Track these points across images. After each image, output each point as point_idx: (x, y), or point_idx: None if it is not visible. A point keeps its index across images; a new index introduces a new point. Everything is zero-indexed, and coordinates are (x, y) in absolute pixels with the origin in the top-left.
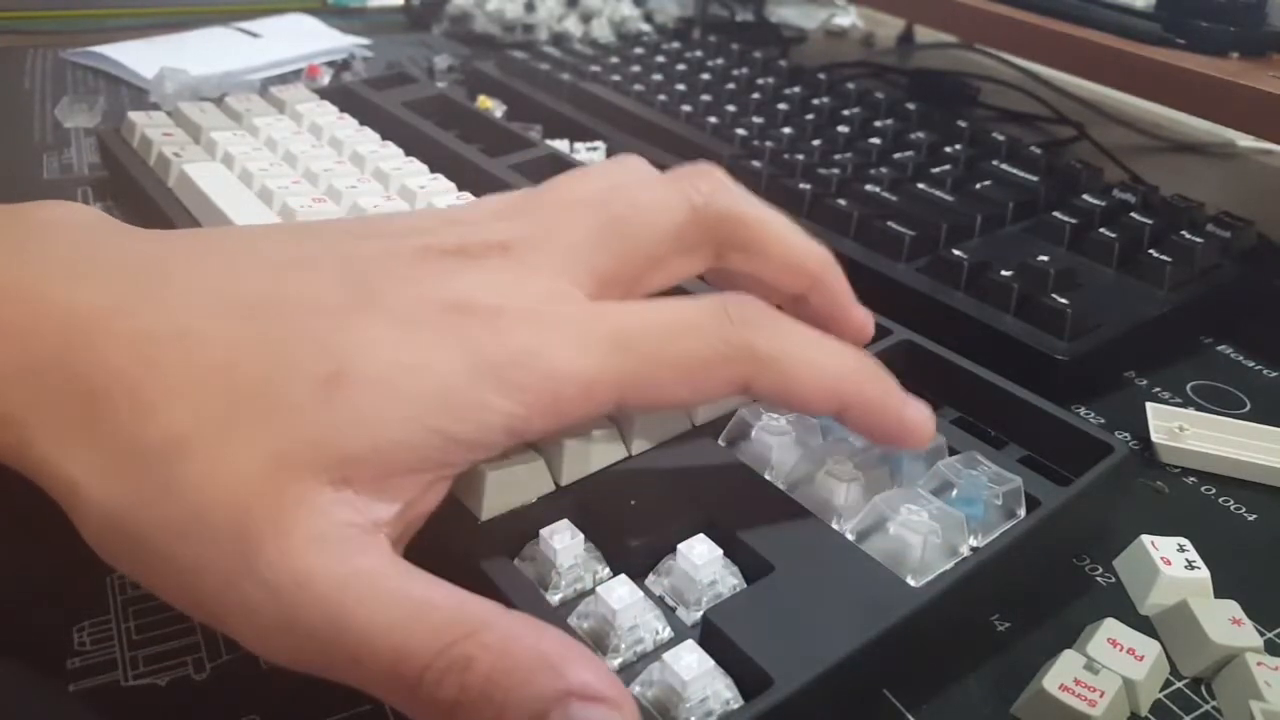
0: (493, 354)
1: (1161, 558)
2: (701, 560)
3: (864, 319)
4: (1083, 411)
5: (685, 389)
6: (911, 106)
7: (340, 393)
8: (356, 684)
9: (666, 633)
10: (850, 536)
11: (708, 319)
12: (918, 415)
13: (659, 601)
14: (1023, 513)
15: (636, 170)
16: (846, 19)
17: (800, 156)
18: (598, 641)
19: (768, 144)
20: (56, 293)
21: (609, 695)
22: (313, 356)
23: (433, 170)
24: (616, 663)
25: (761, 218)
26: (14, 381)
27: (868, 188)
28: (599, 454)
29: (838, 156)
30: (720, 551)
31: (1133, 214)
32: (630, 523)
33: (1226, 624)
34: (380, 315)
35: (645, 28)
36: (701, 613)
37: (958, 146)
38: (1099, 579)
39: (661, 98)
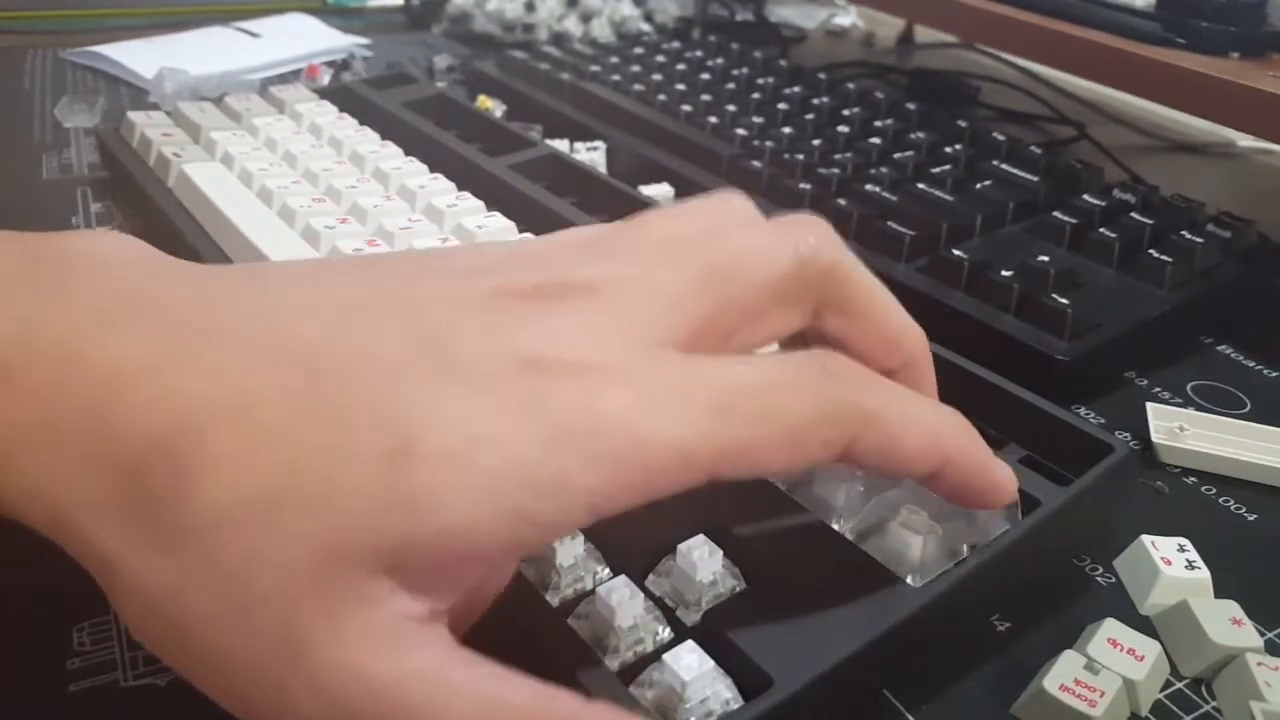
0: (576, 421)
1: (1162, 558)
2: (701, 561)
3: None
4: (1083, 411)
5: (787, 453)
6: (911, 106)
7: (403, 470)
8: None
9: (666, 633)
10: (850, 536)
11: (807, 376)
12: (1006, 476)
13: (659, 602)
14: (1022, 513)
15: (739, 212)
16: (846, 19)
17: (800, 156)
18: (597, 642)
19: (768, 144)
20: (90, 346)
21: None
22: (373, 426)
23: (432, 170)
24: (616, 664)
25: (867, 280)
26: (45, 448)
27: (868, 188)
28: None
29: (838, 156)
30: (720, 552)
31: (1133, 214)
32: (630, 523)
33: (1227, 624)
34: (448, 375)
35: (645, 27)
36: (701, 613)
37: (958, 146)
38: (1099, 579)
39: (661, 98)
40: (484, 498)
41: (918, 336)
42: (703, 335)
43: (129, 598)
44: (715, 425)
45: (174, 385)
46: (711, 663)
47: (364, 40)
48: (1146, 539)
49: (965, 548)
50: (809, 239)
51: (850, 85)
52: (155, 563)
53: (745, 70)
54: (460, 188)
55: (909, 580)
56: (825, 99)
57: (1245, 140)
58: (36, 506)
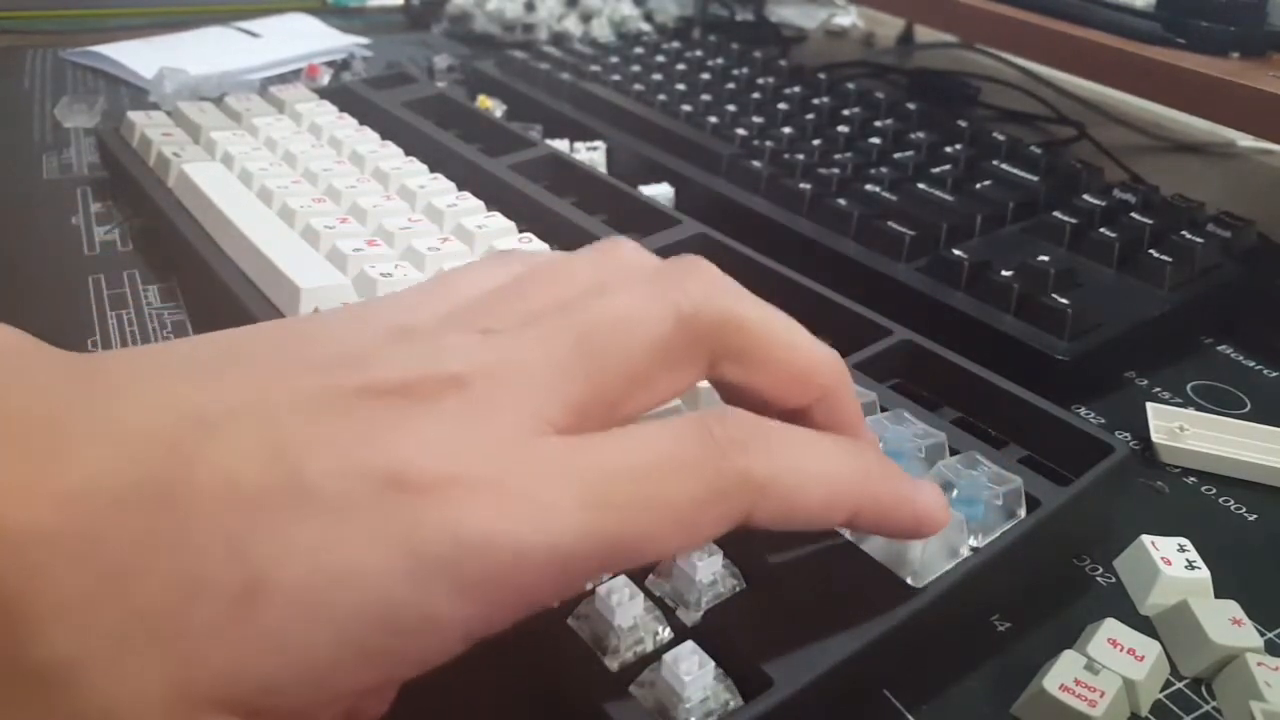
0: (440, 547)
1: (1162, 558)
2: (701, 561)
3: (873, 439)
4: (1083, 411)
5: (678, 538)
6: (911, 106)
7: (254, 611)
8: None
9: (666, 634)
10: (850, 536)
11: (694, 449)
12: (931, 502)
13: (659, 602)
14: (1023, 513)
15: (621, 265)
16: (846, 19)
17: (800, 156)
18: (597, 642)
19: (768, 144)
20: None
21: None
22: (222, 563)
23: (432, 170)
24: (616, 664)
25: (763, 322)
26: None
27: (868, 187)
28: None
29: (838, 156)
30: (720, 552)
31: (1133, 214)
32: None
33: (1227, 624)
34: (303, 502)
35: (645, 27)
36: (701, 614)
37: (958, 146)
38: (1099, 579)
39: (661, 97)
40: (342, 640)
41: (829, 367)
42: (584, 413)
43: None
44: (596, 522)
45: (13, 518)
46: (711, 663)
47: (364, 40)
48: (1146, 539)
49: (965, 547)
50: (692, 291)
51: (850, 85)
52: (11, 711)
53: (745, 70)
54: (460, 188)
55: (909, 580)
56: (825, 99)
57: (1245, 140)
58: None
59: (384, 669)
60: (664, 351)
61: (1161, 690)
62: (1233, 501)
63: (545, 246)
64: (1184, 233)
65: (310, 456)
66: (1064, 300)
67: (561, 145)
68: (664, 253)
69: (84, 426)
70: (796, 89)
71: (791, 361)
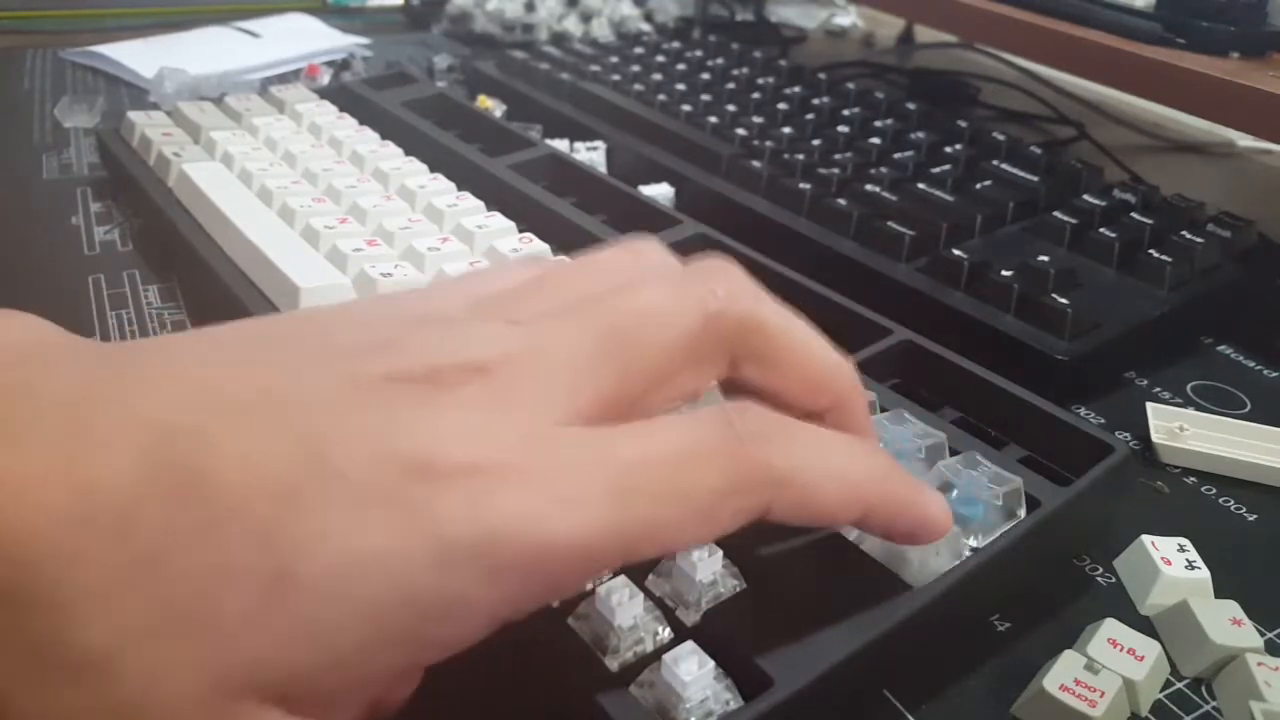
0: (467, 533)
1: (1162, 558)
2: (701, 561)
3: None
4: (1083, 411)
5: (699, 529)
6: (911, 106)
7: (284, 599)
8: None
9: (666, 634)
10: (850, 537)
11: (716, 441)
12: (939, 510)
13: (659, 602)
14: (1023, 513)
15: (646, 264)
16: (846, 19)
17: (800, 156)
18: (598, 642)
19: (768, 144)
20: None
21: None
22: (252, 551)
23: (432, 170)
24: (616, 664)
25: (784, 327)
26: None
27: (868, 187)
28: None
29: (838, 156)
30: (720, 552)
31: (1133, 214)
32: None
33: (1227, 624)
34: (329, 490)
35: (645, 27)
36: (701, 613)
37: (958, 146)
38: (1099, 579)
39: (661, 97)
40: (370, 626)
41: (845, 375)
42: (608, 405)
43: None
44: (620, 512)
45: (46, 502)
46: (711, 663)
47: (364, 40)
48: (1146, 539)
49: (965, 548)
50: (718, 291)
51: (850, 85)
52: (43, 697)
53: (745, 70)
54: (460, 188)
55: (909, 580)
56: (825, 99)
57: (1245, 140)
58: None
59: (412, 653)
60: (689, 348)
61: (1161, 690)
62: (1233, 502)
63: (545, 247)
64: (1184, 233)
65: (337, 444)
66: (1064, 300)
67: (561, 145)
68: None
69: (114, 415)
70: (796, 89)
71: (809, 367)
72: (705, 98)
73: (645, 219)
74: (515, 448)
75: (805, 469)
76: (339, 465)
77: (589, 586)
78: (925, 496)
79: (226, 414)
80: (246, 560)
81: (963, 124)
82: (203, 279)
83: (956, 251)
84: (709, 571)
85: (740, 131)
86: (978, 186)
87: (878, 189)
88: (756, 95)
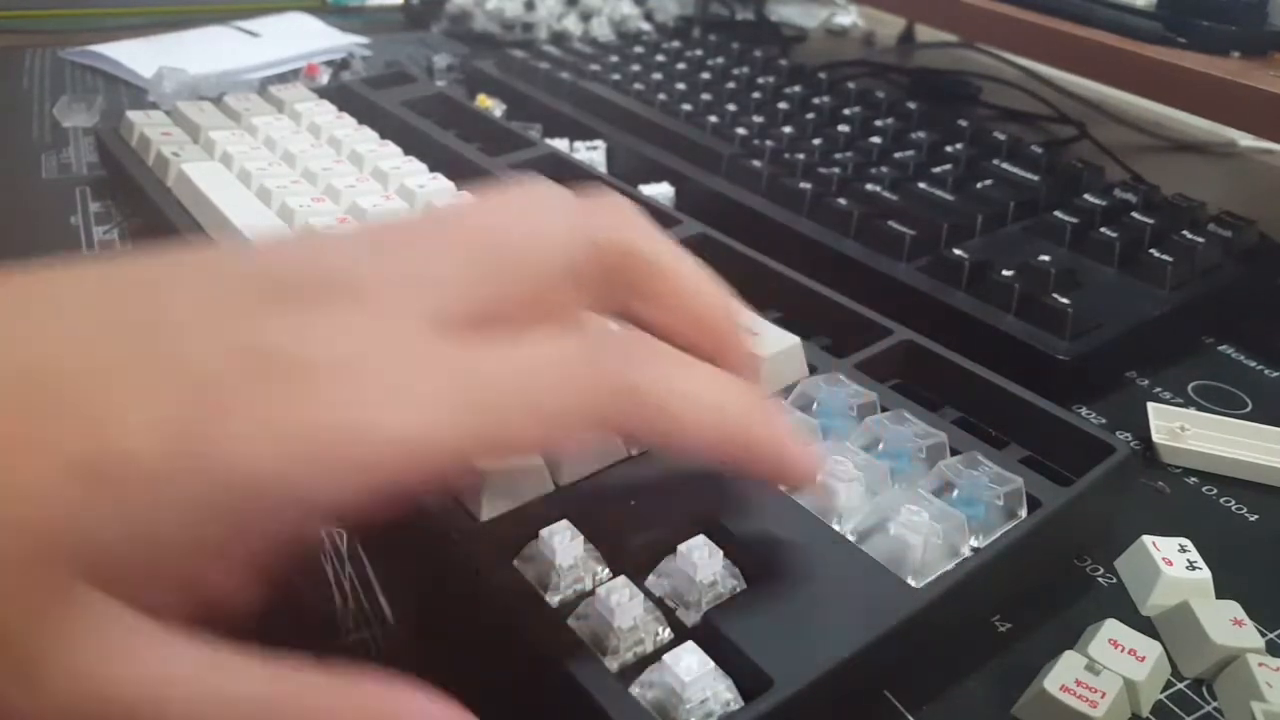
0: (294, 424)
1: (1163, 558)
2: (701, 561)
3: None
4: (1084, 411)
5: (547, 436)
6: (912, 106)
7: (104, 480)
8: None
9: (666, 634)
10: (850, 537)
11: (574, 355)
12: (804, 458)
13: (659, 603)
14: (1024, 513)
15: (535, 198)
16: (847, 18)
17: (801, 156)
18: (597, 642)
19: (768, 143)
20: None
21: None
22: (72, 428)
23: (432, 169)
24: (616, 664)
25: (672, 264)
26: None
27: (868, 187)
28: (599, 454)
29: (838, 156)
30: (720, 552)
31: (1134, 213)
32: (630, 523)
33: (1228, 625)
34: (164, 374)
35: (645, 26)
36: (702, 614)
37: (958, 146)
38: (1100, 579)
39: (661, 97)
40: (193, 510)
41: (729, 316)
42: (480, 320)
43: None
44: (460, 416)
45: None
46: (711, 663)
47: (363, 39)
48: (1147, 539)
49: (965, 548)
50: (606, 224)
51: (851, 84)
52: None
53: (745, 69)
54: (460, 187)
55: (909, 580)
56: (826, 98)
57: (1246, 140)
58: None
59: (238, 538)
60: (569, 271)
61: (1162, 691)
62: (1234, 502)
63: None
64: (1185, 232)
65: (182, 334)
66: (1065, 300)
67: (561, 145)
68: None
69: None
70: (797, 88)
71: (694, 305)
72: (705, 97)
73: None
74: (364, 349)
75: (666, 392)
76: (183, 353)
77: (590, 586)
78: (791, 442)
79: (75, 314)
80: (66, 436)
81: (963, 123)
82: None
83: (957, 251)
84: (709, 571)
85: (740, 131)
86: (978, 186)
87: (878, 188)
88: (757, 95)
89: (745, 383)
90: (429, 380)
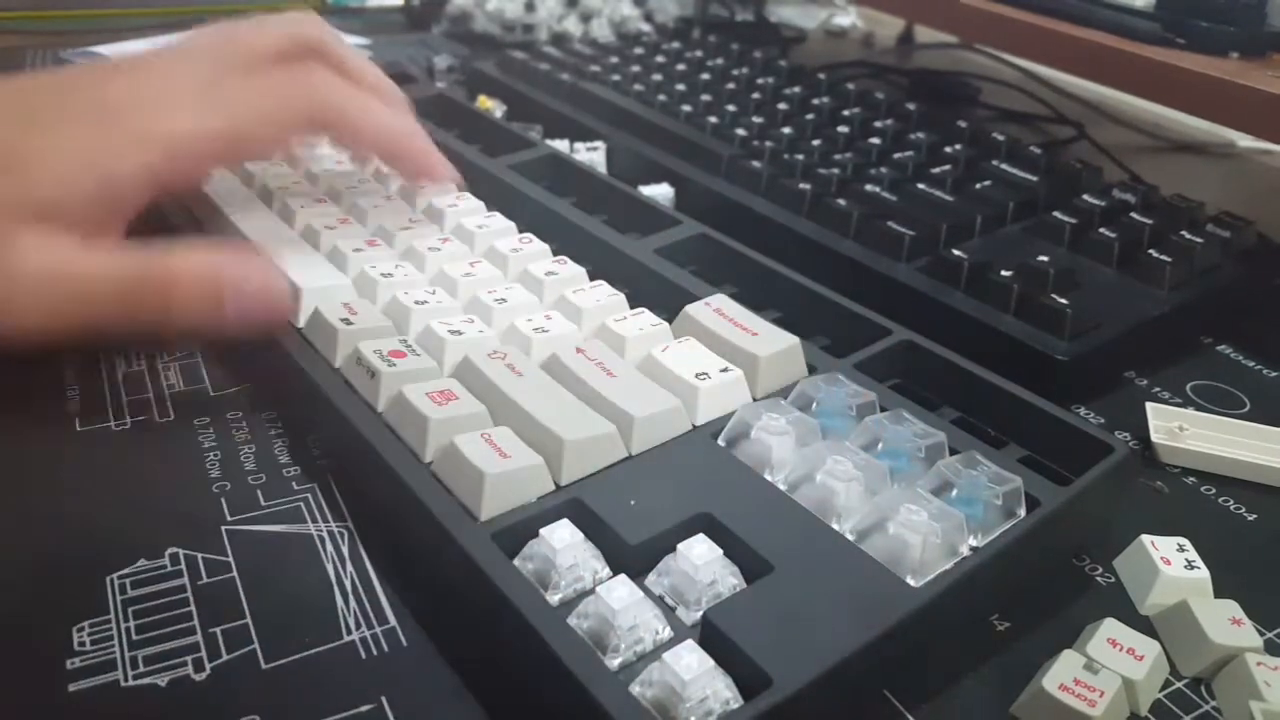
0: (125, 125)
1: (1161, 558)
2: (701, 560)
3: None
4: (1083, 411)
5: (272, 135)
6: (911, 106)
7: (24, 168)
8: (93, 320)
9: (666, 632)
10: (850, 536)
11: (290, 81)
12: (441, 164)
13: (659, 601)
14: (1023, 512)
15: (260, 18)
16: (846, 19)
17: (800, 156)
18: (598, 641)
19: (768, 144)
20: None
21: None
22: (3, 157)
23: None
24: (616, 662)
25: (347, 50)
26: None
27: (868, 188)
28: (599, 454)
29: (838, 156)
30: (720, 551)
31: (1133, 214)
32: (630, 523)
33: (1226, 624)
34: (60, 118)
35: (645, 27)
36: (701, 613)
37: (958, 146)
38: (1099, 579)
39: (661, 98)
40: (79, 174)
41: (385, 79)
42: (229, 72)
43: None
44: (217, 118)
45: None
46: (711, 662)
47: (364, 40)
48: (1146, 539)
49: (964, 547)
50: (306, 28)
51: (850, 85)
52: None
53: (745, 70)
54: (460, 188)
55: (909, 580)
56: (825, 99)
57: (1245, 140)
58: None
59: (112, 189)
60: (279, 51)
61: (1161, 690)
62: (1232, 501)
63: (545, 247)
64: (1184, 233)
65: (54, 104)
66: (1064, 300)
67: (561, 145)
68: (665, 254)
69: None
70: (796, 89)
71: (365, 73)
72: (705, 98)
73: (645, 219)
74: (160, 93)
75: (348, 105)
76: (63, 104)
77: (590, 586)
78: (433, 151)
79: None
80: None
81: (962, 124)
82: None
83: (956, 252)
84: (709, 570)
85: (740, 132)
86: (978, 187)
87: (878, 189)
88: (756, 95)
89: (407, 115)
90: (198, 101)
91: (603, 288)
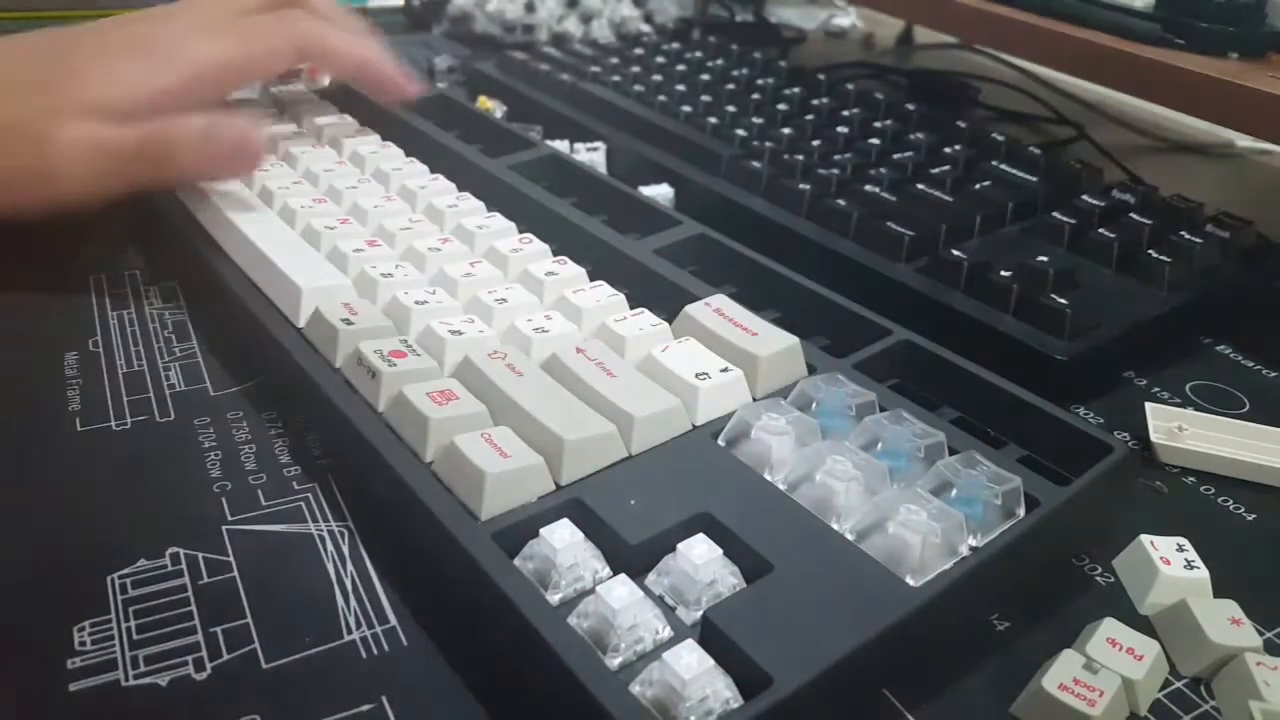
0: (159, 52)
1: (1161, 557)
2: (701, 560)
3: (407, 86)
4: (1082, 411)
5: (270, 60)
6: (911, 107)
7: (80, 81)
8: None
9: (666, 632)
10: (850, 536)
11: (282, 19)
12: (407, 82)
13: (659, 601)
14: (1022, 512)
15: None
16: (846, 20)
17: (800, 157)
18: (598, 641)
19: (768, 144)
20: None
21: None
22: (60, 75)
23: (433, 171)
24: (616, 662)
25: (348, 55)
26: None
27: (867, 188)
28: (599, 454)
29: (837, 157)
30: (720, 551)
31: (1132, 214)
32: (630, 523)
33: (1225, 624)
34: (106, 45)
35: (645, 28)
36: (701, 612)
37: (957, 147)
38: (1098, 579)
39: (661, 98)
40: (123, 83)
41: (358, 22)
42: (234, 16)
43: None
44: (227, 47)
45: None
46: (711, 661)
47: None
48: (1145, 539)
49: (964, 547)
50: (306, 31)
51: (850, 86)
52: None
53: (745, 71)
54: (460, 188)
55: (908, 580)
56: (825, 100)
57: (1244, 140)
58: None
59: (153, 95)
60: (272, 4)
61: (1160, 690)
62: (1231, 501)
63: (545, 247)
64: (1183, 233)
65: (112, 36)
66: (1063, 300)
67: (561, 146)
68: (664, 254)
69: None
70: (796, 90)
71: (353, 68)
72: (705, 98)
73: (645, 219)
74: (185, 30)
75: (331, 39)
76: (105, 40)
77: (590, 585)
78: (399, 71)
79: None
80: (55, 82)
81: (962, 125)
82: (204, 279)
83: (956, 252)
84: (708, 570)
85: (740, 132)
86: (977, 187)
87: (877, 189)
88: (756, 96)
89: (372, 43)
90: (212, 33)
91: (603, 288)
